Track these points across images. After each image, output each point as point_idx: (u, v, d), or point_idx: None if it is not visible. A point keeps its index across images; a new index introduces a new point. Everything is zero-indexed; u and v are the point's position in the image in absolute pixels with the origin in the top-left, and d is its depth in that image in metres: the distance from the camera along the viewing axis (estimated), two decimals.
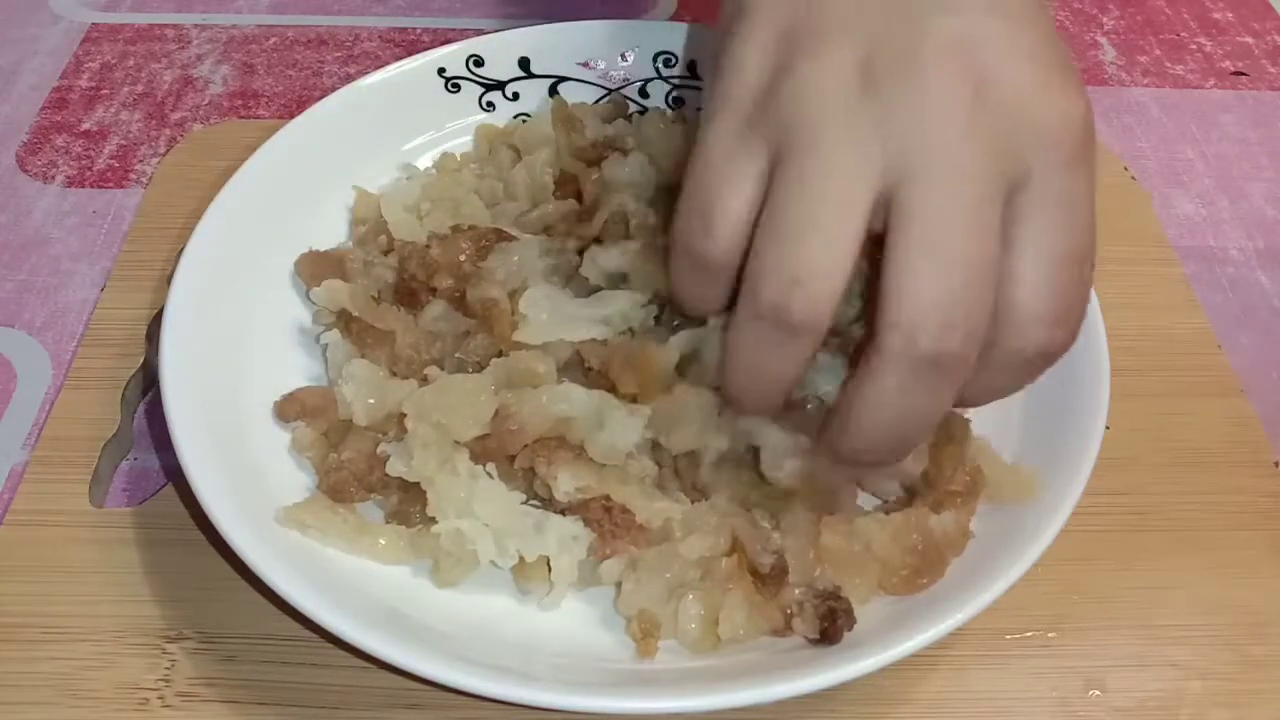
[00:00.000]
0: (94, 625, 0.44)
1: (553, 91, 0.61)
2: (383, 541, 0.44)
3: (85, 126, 0.67)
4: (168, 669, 0.43)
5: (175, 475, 0.49)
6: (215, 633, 0.44)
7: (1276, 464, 0.51)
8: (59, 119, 0.68)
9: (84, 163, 0.65)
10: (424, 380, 0.46)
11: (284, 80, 0.71)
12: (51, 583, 0.45)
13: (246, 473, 0.44)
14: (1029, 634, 0.45)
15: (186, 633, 0.44)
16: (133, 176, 0.64)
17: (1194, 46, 0.77)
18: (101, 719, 0.42)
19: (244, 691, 0.43)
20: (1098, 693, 0.44)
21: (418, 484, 0.44)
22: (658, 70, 0.62)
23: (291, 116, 0.57)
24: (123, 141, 0.66)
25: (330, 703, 0.43)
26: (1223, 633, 0.46)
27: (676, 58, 0.62)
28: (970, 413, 0.46)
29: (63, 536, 0.47)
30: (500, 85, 0.61)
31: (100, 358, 0.53)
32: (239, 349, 0.49)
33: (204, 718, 0.42)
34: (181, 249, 0.50)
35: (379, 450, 0.45)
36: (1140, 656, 0.45)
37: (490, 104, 0.61)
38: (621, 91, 0.62)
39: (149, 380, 0.53)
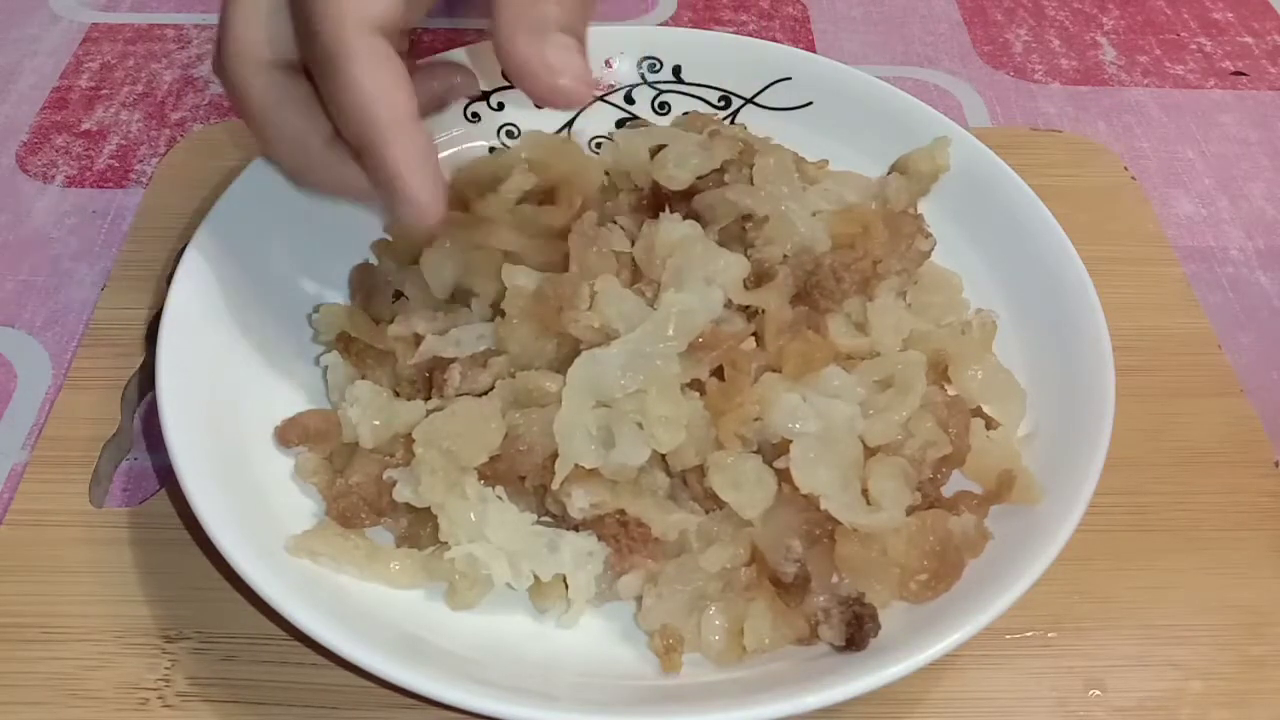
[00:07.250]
0: (93, 625, 0.44)
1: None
2: (396, 566, 0.44)
3: (85, 126, 0.67)
4: (167, 669, 0.43)
5: (167, 477, 0.48)
6: (215, 633, 0.44)
7: (1276, 464, 0.51)
8: (59, 119, 0.68)
9: (84, 163, 0.65)
10: (429, 396, 0.46)
11: None
12: (51, 583, 0.45)
13: (252, 503, 0.44)
14: (1029, 634, 0.45)
15: (186, 633, 0.44)
16: (133, 176, 0.64)
17: (1194, 46, 0.77)
18: (101, 719, 0.42)
19: (244, 691, 0.43)
20: (1098, 693, 0.44)
21: (427, 507, 0.43)
22: (643, 76, 0.62)
23: None
24: (123, 141, 0.66)
25: (330, 703, 0.43)
26: (1223, 633, 0.46)
27: (661, 63, 0.62)
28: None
29: (62, 536, 0.47)
30: (485, 96, 0.59)
31: (100, 358, 0.53)
32: (236, 367, 0.48)
33: (204, 718, 0.42)
34: (181, 249, 0.50)
35: (385, 477, 0.44)
36: (1140, 656, 0.45)
37: (475, 115, 0.60)
38: (607, 98, 0.61)
39: (149, 381, 0.53)
